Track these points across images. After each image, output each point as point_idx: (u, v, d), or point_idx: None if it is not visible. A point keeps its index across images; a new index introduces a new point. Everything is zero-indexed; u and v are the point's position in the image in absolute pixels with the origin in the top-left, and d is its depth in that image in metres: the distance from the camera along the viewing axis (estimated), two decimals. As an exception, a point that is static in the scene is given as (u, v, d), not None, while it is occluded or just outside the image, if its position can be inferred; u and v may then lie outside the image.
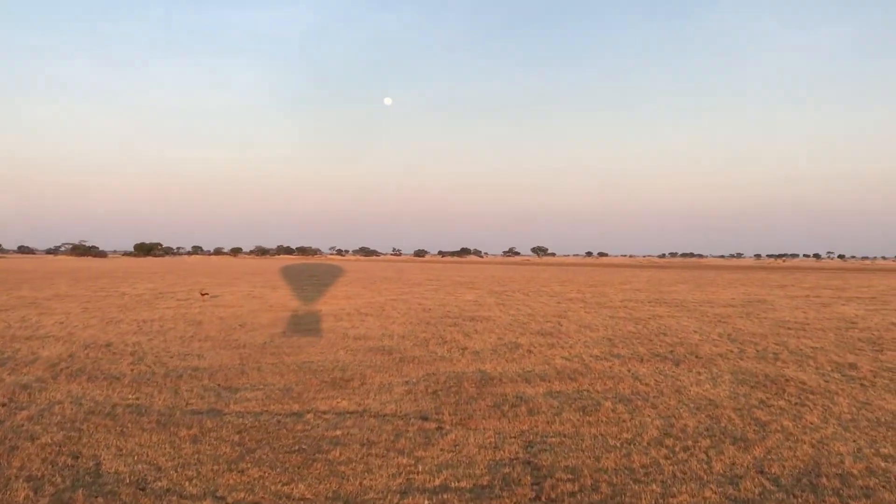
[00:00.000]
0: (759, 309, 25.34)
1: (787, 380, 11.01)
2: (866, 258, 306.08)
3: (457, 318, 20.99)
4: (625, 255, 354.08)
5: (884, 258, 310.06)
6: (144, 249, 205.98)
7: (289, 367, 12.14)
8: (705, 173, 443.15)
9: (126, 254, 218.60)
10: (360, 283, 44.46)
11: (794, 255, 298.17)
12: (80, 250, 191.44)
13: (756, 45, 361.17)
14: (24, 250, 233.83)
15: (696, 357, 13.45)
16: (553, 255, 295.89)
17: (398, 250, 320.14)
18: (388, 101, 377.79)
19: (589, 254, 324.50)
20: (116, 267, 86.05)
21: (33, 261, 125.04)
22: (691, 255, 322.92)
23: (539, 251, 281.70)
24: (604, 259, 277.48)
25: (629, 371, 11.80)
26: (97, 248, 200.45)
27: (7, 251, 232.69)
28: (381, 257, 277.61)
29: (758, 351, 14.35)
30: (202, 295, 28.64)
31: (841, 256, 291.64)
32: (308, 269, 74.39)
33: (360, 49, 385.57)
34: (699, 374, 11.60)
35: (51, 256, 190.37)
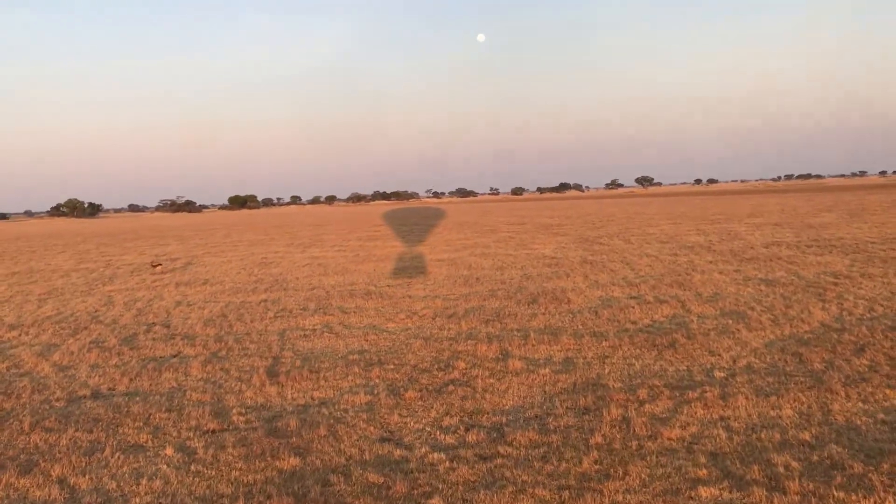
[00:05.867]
0: None
1: None
2: None
3: (508, 300, 13.23)
4: (736, 181, 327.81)
5: None
6: (239, 202, 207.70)
7: None
8: (821, 86, 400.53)
9: (222, 207, 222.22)
10: (424, 233, 37.20)
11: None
12: (175, 206, 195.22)
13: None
14: (133, 208, 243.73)
15: None
16: (659, 184, 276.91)
17: (496, 189, 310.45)
18: (480, 37, 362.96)
19: (698, 181, 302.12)
20: (185, 223, 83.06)
21: (130, 220, 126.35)
22: (809, 175, 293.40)
23: (644, 181, 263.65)
24: (715, 186, 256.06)
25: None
26: (193, 203, 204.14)
27: (120, 210, 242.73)
28: (478, 198, 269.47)
29: None
30: (154, 266, 21.80)
31: None
32: (389, 216, 68.04)
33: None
34: None
35: (149, 214, 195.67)
